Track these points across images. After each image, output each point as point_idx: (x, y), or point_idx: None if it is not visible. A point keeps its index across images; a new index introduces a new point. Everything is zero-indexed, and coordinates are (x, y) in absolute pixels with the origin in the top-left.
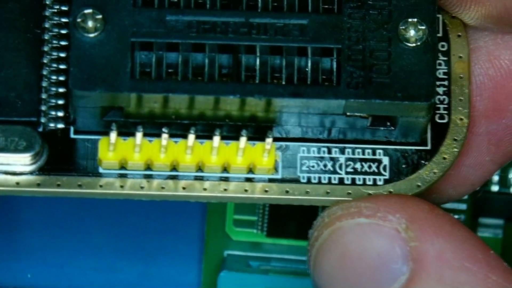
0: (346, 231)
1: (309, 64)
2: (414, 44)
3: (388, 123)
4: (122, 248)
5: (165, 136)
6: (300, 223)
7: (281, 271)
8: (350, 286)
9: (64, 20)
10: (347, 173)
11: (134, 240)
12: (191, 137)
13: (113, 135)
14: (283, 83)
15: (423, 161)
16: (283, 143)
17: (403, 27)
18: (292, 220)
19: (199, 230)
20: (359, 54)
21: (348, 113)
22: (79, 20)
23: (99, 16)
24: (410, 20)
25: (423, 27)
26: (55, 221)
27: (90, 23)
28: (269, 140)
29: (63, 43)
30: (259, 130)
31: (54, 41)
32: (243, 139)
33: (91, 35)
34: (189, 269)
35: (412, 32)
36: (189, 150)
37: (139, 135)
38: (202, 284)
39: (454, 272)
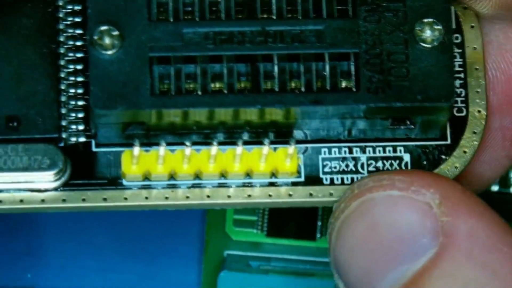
0: (377, 203)
1: (327, 70)
2: (430, 45)
3: (408, 122)
4: (122, 249)
5: (188, 148)
6: (300, 223)
7: (281, 271)
8: (375, 259)
9: (78, 31)
10: (369, 172)
11: (134, 240)
12: (214, 148)
13: (136, 149)
14: (303, 89)
15: (443, 156)
16: (304, 145)
17: (419, 28)
18: (292, 220)
19: (199, 230)
20: (377, 58)
21: (368, 116)
22: (96, 37)
23: (116, 33)
24: (425, 20)
25: (439, 27)
26: (55, 221)
27: (107, 40)
28: (291, 146)
29: (79, 55)
30: (280, 134)
31: (70, 54)
32: (265, 148)
33: (109, 52)
34: (189, 269)
35: (428, 33)
36: (211, 159)
37: (162, 148)
38: (202, 284)
39: (485, 250)
